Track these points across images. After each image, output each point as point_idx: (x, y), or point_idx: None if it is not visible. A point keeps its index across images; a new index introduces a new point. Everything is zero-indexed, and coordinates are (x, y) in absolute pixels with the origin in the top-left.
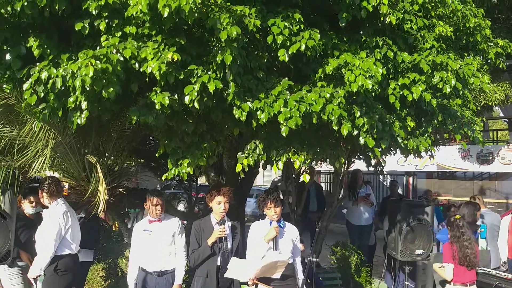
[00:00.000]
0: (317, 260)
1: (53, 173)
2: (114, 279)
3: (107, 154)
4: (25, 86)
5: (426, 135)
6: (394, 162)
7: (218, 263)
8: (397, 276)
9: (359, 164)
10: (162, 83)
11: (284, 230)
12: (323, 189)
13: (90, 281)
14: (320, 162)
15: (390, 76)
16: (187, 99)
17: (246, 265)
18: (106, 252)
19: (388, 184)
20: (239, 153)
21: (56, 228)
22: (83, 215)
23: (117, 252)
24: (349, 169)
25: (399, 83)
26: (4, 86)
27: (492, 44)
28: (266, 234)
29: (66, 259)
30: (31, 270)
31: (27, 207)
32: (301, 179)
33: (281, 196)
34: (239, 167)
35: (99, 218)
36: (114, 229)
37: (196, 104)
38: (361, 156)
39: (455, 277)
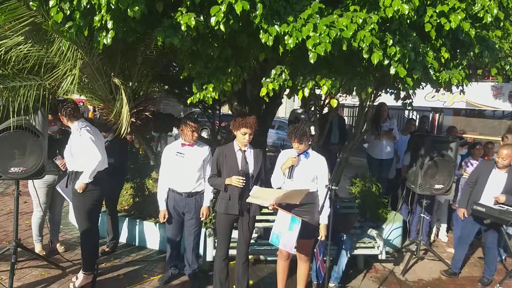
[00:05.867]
0: (336, 188)
1: (80, 96)
2: (141, 197)
3: (132, 78)
4: (51, 3)
5: (460, 68)
6: (422, 97)
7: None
8: (413, 209)
9: (385, 98)
10: (188, 2)
11: (306, 160)
12: (346, 122)
13: (120, 198)
14: (345, 95)
15: (428, 3)
16: (213, 21)
17: (267, 192)
18: (134, 172)
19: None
20: (264, 78)
21: (87, 136)
22: (110, 139)
23: (144, 173)
24: (374, 103)
25: (437, 10)
26: (31, 3)
27: None
28: (283, 163)
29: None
30: (79, 181)
31: None
32: (324, 111)
33: (313, 132)
34: (263, 91)
35: (125, 139)
36: (140, 152)
37: (222, 27)
38: (388, 90)
39: None
